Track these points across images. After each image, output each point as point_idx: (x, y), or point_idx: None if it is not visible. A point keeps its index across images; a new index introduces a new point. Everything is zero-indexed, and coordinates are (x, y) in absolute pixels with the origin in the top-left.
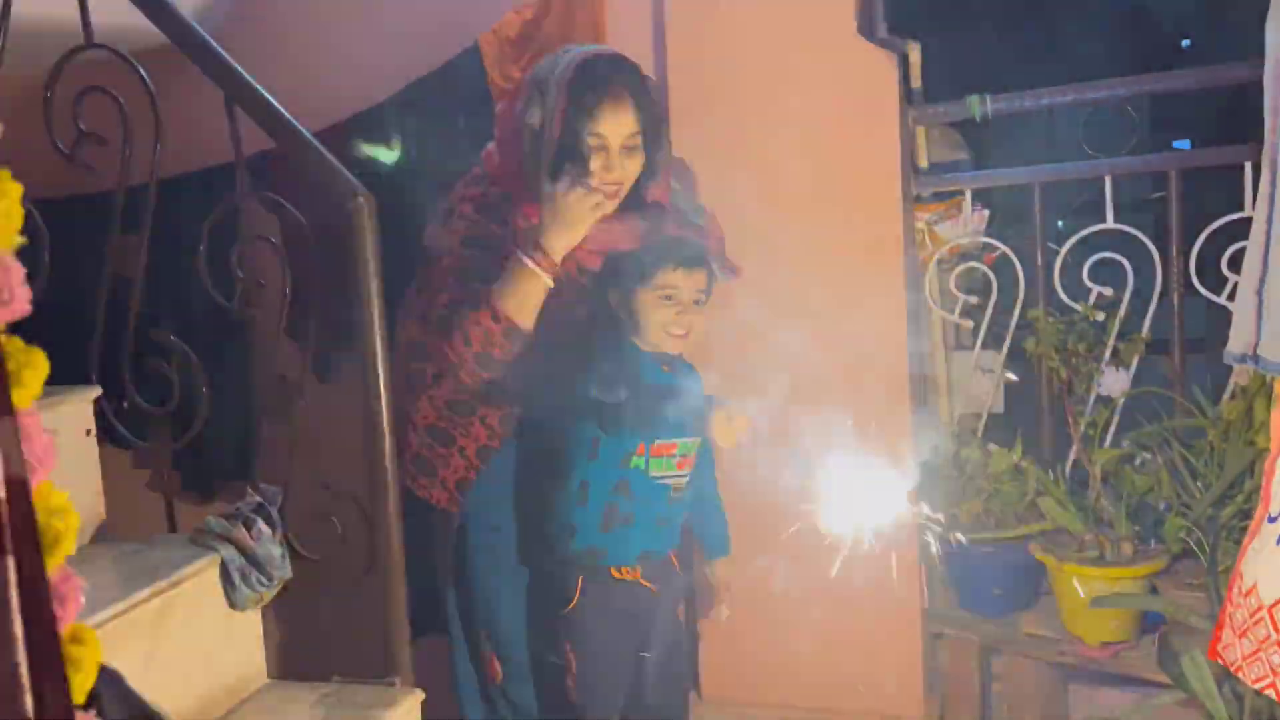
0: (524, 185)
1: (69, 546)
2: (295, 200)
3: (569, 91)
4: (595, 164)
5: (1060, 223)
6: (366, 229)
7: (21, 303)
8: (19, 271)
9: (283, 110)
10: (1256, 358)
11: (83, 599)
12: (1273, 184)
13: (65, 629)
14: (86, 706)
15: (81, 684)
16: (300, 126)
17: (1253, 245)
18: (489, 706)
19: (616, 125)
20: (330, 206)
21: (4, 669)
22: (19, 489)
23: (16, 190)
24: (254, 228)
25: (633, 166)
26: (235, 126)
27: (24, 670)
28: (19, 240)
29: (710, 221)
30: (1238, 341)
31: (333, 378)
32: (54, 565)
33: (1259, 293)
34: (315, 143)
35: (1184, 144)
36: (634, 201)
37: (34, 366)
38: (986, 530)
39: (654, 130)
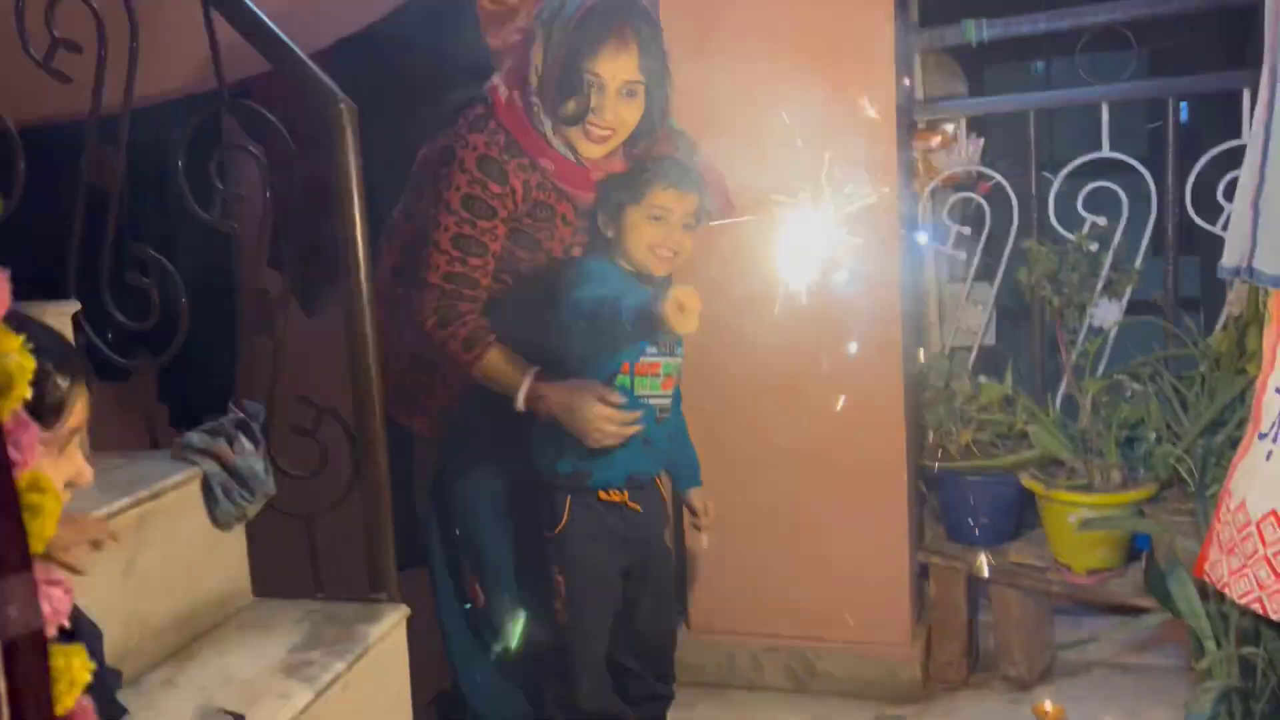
0: (533, 132)
1: (23, 390)
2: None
3: (575, 29)
4: (592, 103)
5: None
6: (348, 135)
7: None
8: None
9: (261, 14)
10: (1251, 269)
11: (40, 448)
12: (1271, 95)
13: (22, 475)
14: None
15: (40, 530)
16: (276, 30)
17: (1250, 157)
18: (473, 632)
19: (616, 66)
20: (313, 122)
21: None
22: None
23: None
24: (235, 143)
25: (628, 114)
26: (213, 32)
27: None
28: None
29: (708, 168)
30: (1232, 254)
31: (318, 309)
32: (8, 409)
33: (1255, 205)
34: (293, 46)
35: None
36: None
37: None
38: (975, 460)
39: (656, 79)
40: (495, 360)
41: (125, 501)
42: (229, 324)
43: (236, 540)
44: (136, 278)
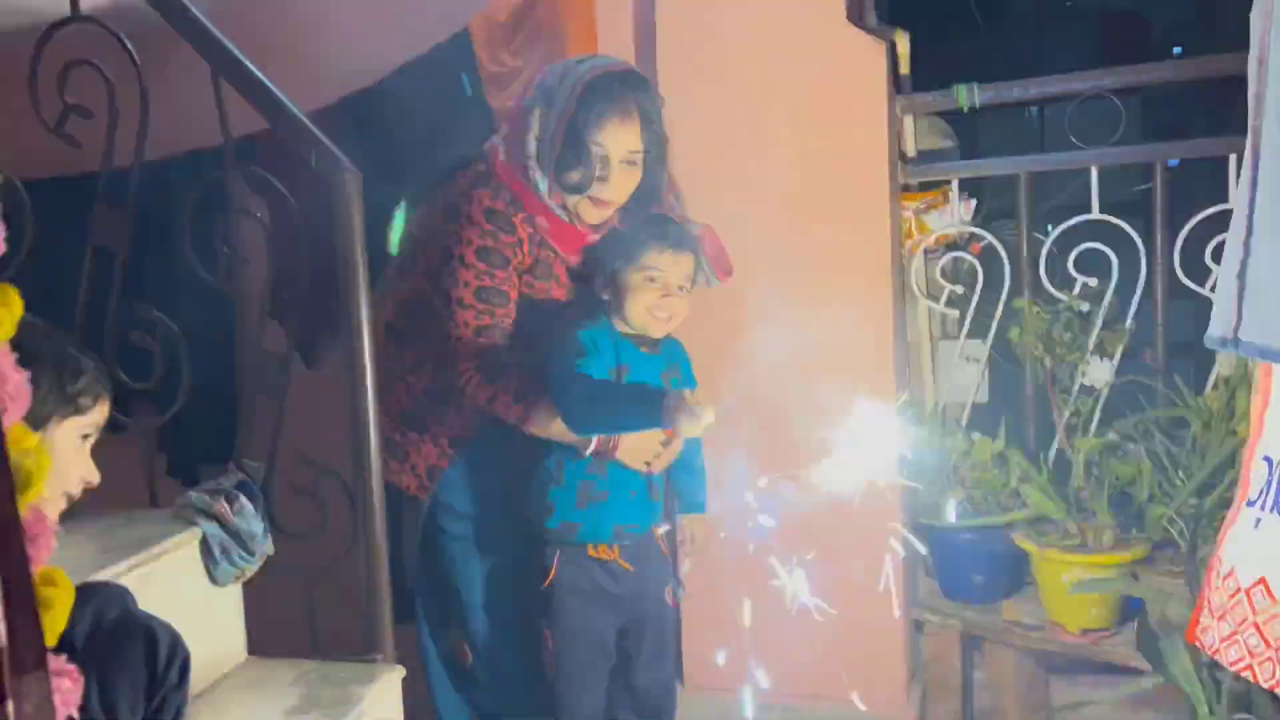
0: (530, 191)
1: (40, 488)
2: (283, 184)
3: (578, 101)
4: (594, 173)
5: (1049, 227)
6: (353, 200)
7: None
8: None
9: (268, 83)
10: (1237, 341)
11: (55, 541)
12: (1254, 167)
13: (37, 570)
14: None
15: (53, 624)
16: (285, 99)
17: (1234, 228)
18: (460, 691)
19: (619, 137)
20: (316, 186)
21: None
22: None
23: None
24: (240, 206)
25: (628, 183)
26: (221, 99)
27: None
28: None
29: (706, 231)
30: (1219, 325)
31: (317, 363)
32: (25, 505)
33: (1240, 276)
34: (300, 115)
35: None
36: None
37: (8, 305)
38: (969, 518)
39: (657, 150)
40: (551, 408)
41: (125, 564)
42: (229, 378)
43: (233, 599)
44: (141, 337)
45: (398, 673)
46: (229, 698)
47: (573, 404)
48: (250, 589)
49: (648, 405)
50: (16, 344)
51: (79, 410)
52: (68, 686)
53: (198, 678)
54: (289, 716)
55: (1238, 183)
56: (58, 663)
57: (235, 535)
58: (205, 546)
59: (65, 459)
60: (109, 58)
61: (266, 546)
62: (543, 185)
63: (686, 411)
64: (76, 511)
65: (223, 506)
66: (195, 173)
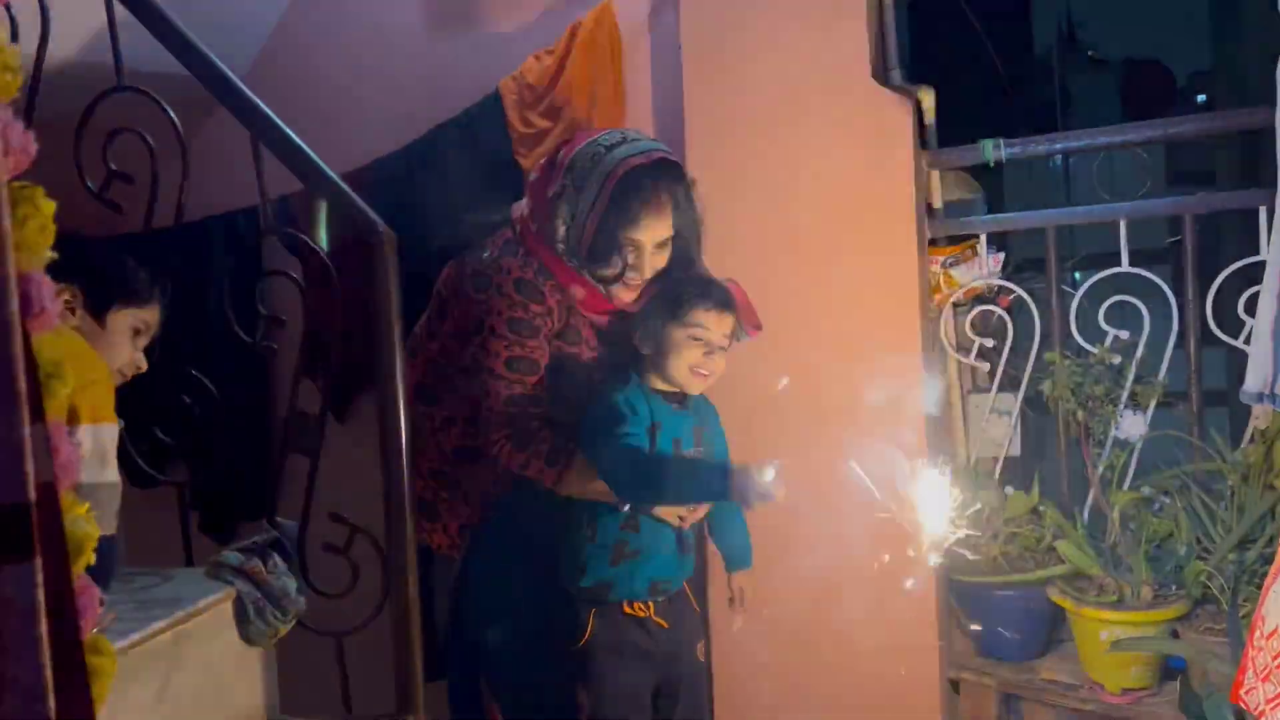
0: (559, 261)
1: (90, 556)
2: (315, 244)
3: (611, 195)
4: (627, 260)
5: (1077, 274)
6: (389, 263)
7: (51, 315)
8: (50, 285)
9: (305, 147)
10: (1274, 396)
11: (100, 610)
12: None
13: (85, 637)
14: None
15: (100, 693)
16: (322, 163)
17: (1267, 284)
18: None
19: (654, 230)
20: (351, 245)
21: (29, 671)
22: (48, 495)
23: (50, 207)
24: (276, 266)
25: (661, 262)
26: (260, 164)
27: (48, 673)
28: (50, 255)
29: (734, 287)
30: (1254, 379)
31: (350, 419)
32: (75, 574)
33: (1275, 333)
34: (335, 178)
35: None
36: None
37: (63, 378)
38: (1004, 574)
39: (690, 227)
40: (583, 469)
41: (162, 624)
42: (260, 436)
43: (266, 658)
44: (178, 398)
45: None
46: None
47: (626, 478)
48: (282, 648)
49: (715, 481)
50: (86, 255)
51: (136, 299)
52: None
53: None
54: None
55: (1269, 237)
56: None
57: (269, 594)
58: (239, 605)
59: (120, 343)
60: (152, 123)
61: (300, 603)
62: (574, 263)
63: (757, 488)
64: (115, 570)
65: (257, 565)
66: (233, 233)
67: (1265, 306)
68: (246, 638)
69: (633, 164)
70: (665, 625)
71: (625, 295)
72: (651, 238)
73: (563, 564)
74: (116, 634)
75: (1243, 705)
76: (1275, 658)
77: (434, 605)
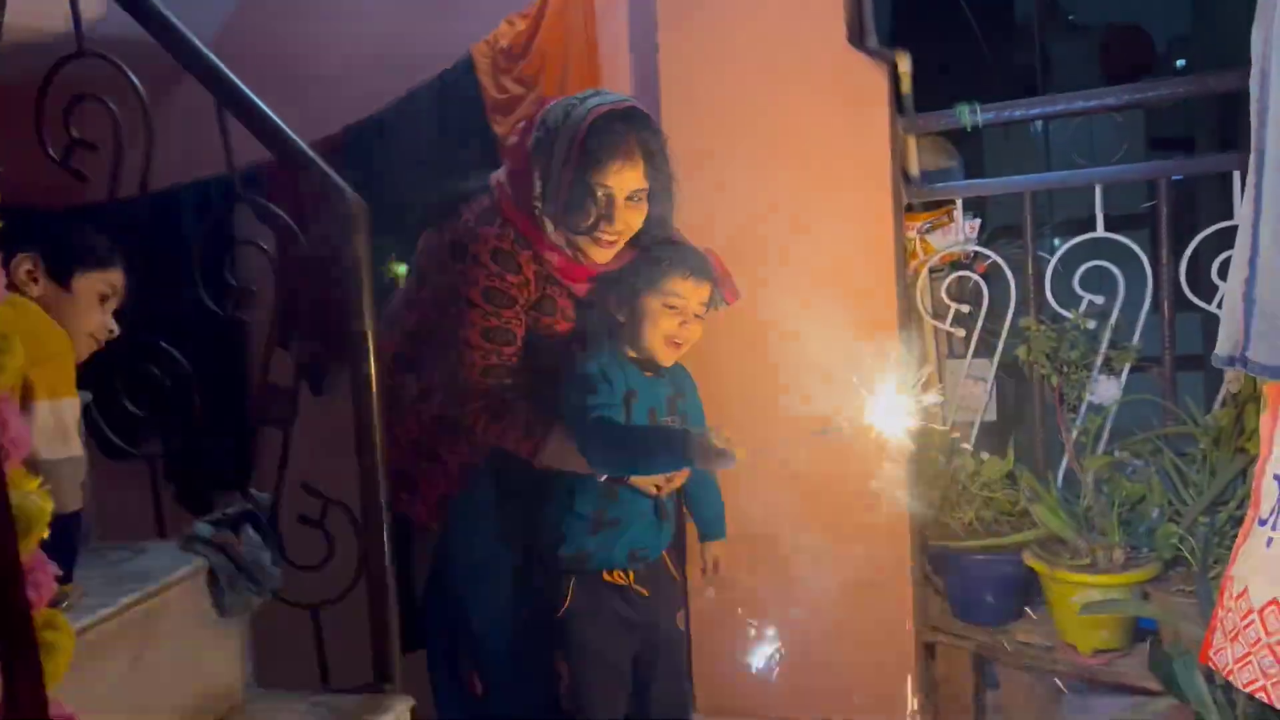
0: (537, 229)
1: (41, 531)
2: (289, 213)
3: (581, 144)
4: (599, 213)
5: (1056, 241)
6: (360, 232)
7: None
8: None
9: (271, 114)
10: (1244, 360)
11: (55, 585)
12: (1258, 185)
13: (38, 614)
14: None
15: (55, 671)
16: (290, 131)
17: (1239, 247)
18: None
19: (624, 178)
20: (323, 215)
21: None
22: None
23: None
24: (247, 236)
25: (634, 219)
26: (226, 131)
27: None
28: None
29: (711, 255)
30: (1225, 344)
31: (326, 391)
32: (27, 549)
33: (1246, 295)
34: (303, 145)
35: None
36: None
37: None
38: (979, 538)
39: (663, 185)
40: (562, 440)
41: (134, 597)
42: (236, 407)
43: (241, 630)
44: (148, 368)
45: (406, 703)
46: None
47: (598, 451)
48: (259, 621)
49: (674, 448)
50: (44, 224)
51: (99, 263)
52: None
53: (206, 709)
54: None
55: (1242, 199)
56: (59, 707)
57: (242, 566)
58: (213, 578)
59: (89, 307)
60: (115, 91)
61: (275, 576)
62: (549, 225)
63: (716, 453)
64: (85, 544)
65: (229, 537)
66: (201, 202)
67: (1237, 270)
68: (220, 610)
69: (603, 110)
70: (645, 593)
71: (600, 254)
72: (623, 186)
73: (542, 533)
74: (86, 609)
75: (1212, 665)
76: (1244, 618)
77: (412, 576)
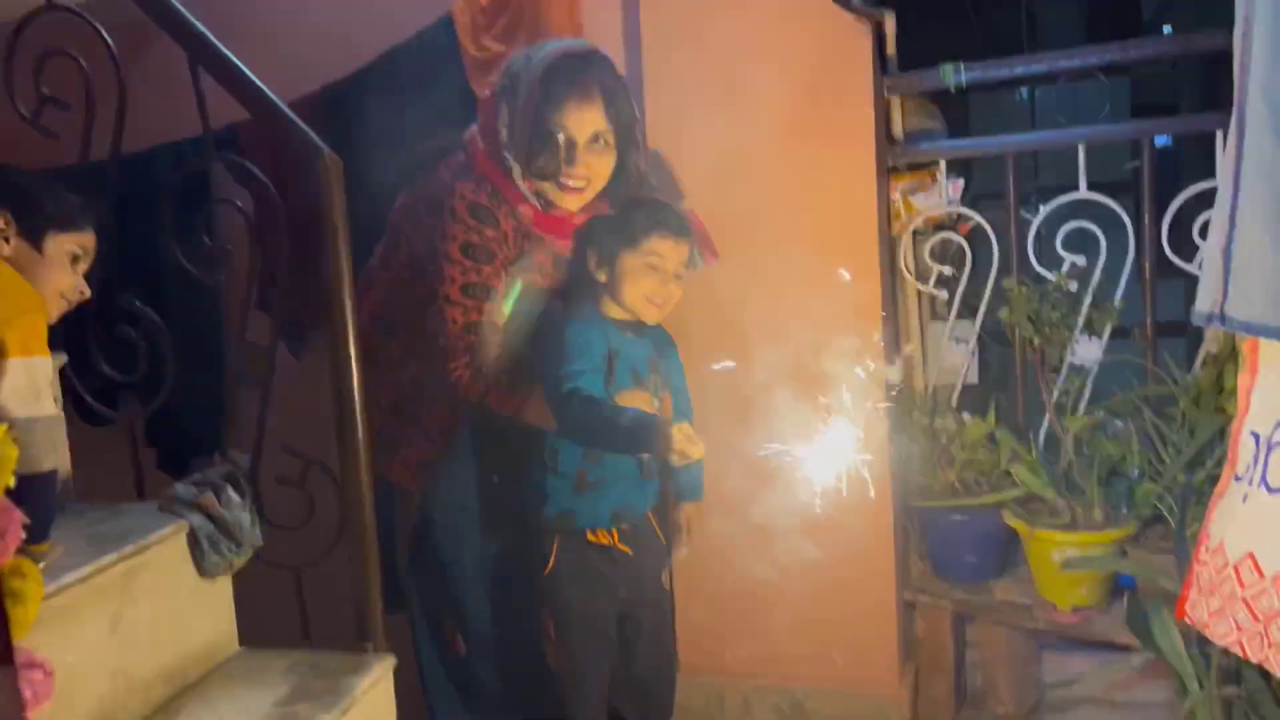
0: (505, 179)
1: (7, 478)
2: (266, 176)
3: (539, 86)
4: (563, 157)
5: (1040, 206)
6: (334, 189)
7: None
8: None
9: (246, 70)
10: (1223, 316)
11: (22, 533)
12: (1239, 141)
13: (4, 562)
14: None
15: (23, 617)
16: (263, 87)
17: (1220, 203)
18: (454, 684)
19: (583, 118)
20: (299, 175)
21: None
22: None
23: None
24: (222, 197)
25: (601, 165)
26: (200, 89)
27: None
28: None
29: (691, 215)
30: (1205, 301)
31: (305, 354)
32: None
33: (1225, 251)
34: (278, 102)
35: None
36: (611, 195)
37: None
38: (960, 499)
39: (626, 130)
40: (543, 399)
41: (112, 557)
42: (216, 370)
43: (222, 591)
44: (124, 330)
45: (389, 662)
46: (220, 689)
47: (570, 424)
48: (240, 582)
49: (643, 436)
50: (16, 183)
51: (70, 224)
52: (39, 678)
53: (188, 669)
54: (280, 707)
55: (1223, 157)
56: (29, 655)
57: (223, 526)
58: (193, 538)
59: (60, 268)
60: (86, 48)
61: (255, 536)
62: (517, 173)
63: (680, 447)
64: (63, 504)
65: (209, 498)
66: (176, 164)
67: (1217, 227)
68: (201, 571)
69: (561, 51)
70: (630, 553)
71: (568, 200)
72: (582, 127)
73: (525, 495)
74: (65, 568)
75: (1187, 619)
76: (1219, 572)
77: (394, 539)
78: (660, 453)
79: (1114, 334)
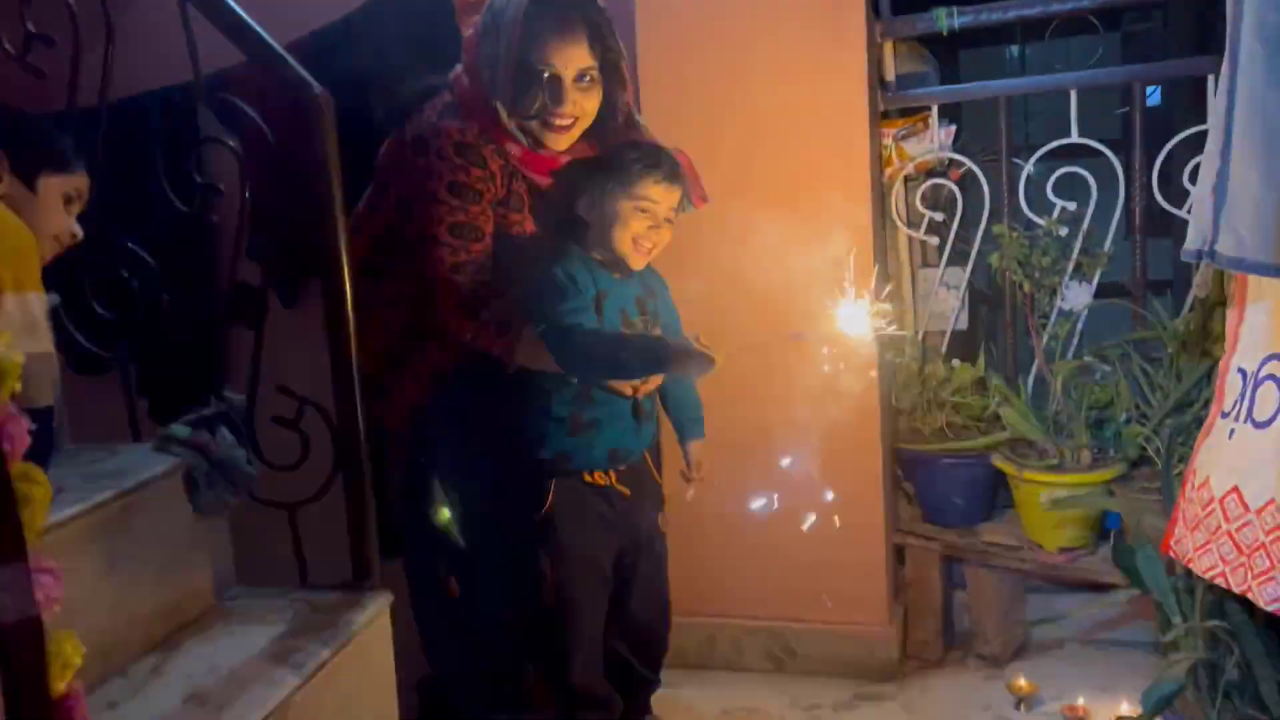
0: (492, 118)
1: (13, 384)
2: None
3: (523, 22)
4: (549, 96)
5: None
6: (326, 125)
7: None
8: None
9: (236, 7)
10: (1212, 252)
11: (29, 439)
12: (1231, 78)
13: (14, 466)
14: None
15: (31, 520)
16: (251, 21)
17: (1211, 140)
18: (450, 625)
19: (568, 55)
20: (288, 116)
21: None
22: None
23: None
24: (211, 135)
25: (588, 103)
26: (189, 27)
27: None
28: None
29: (680, 157)
30: (1194, 238)
31: (298, 304)
32: (1, 403)
33: (1215, 189)
34: (266, 37)
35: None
36: (599, 133)
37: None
38: (949, 443)
39: (612, 66)
40: (534, 340)
41: (109, 494)
42: (208, 316)
43: (220, 530)
44: (117, 272)
45: (386, 598)
46: (218, 626)
47: (572, 358)
48: (236, 522)
49: (653, 355)
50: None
51: (64, 166)
52: (50, 582)
53: (187, 607)
54: (280, 642)
55: (1216, 96)
56: (38, 559)
57: (218, 465)
58: (189, 477)
59: (53, 210)
60: None
61: (251, 475)
62: (503, 113)
63: (694, 358)
64: (58, 446)
65: (204, 437)
66: (166, 108)
67: (1208, 164)
68: (197, 509)
69: None
70: (626, 494)
71: (556, 140)
72: (568, 64)
73: (521, 437)
74: (62, 504)
75: (1173, 555)
76: (1205, 507)
77: (387, 484)
78: (679, 366)
79: (1105, 292)
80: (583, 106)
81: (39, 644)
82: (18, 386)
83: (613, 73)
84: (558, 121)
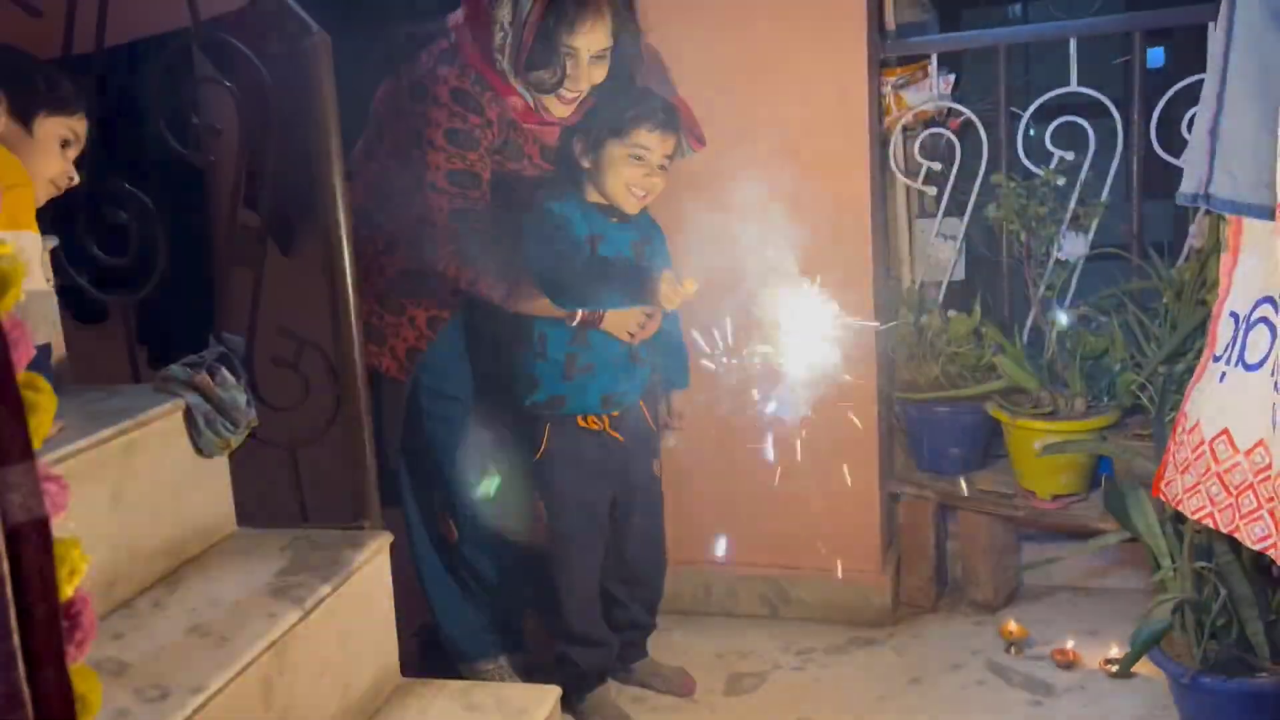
0: (497, 74)
1: (17, 293)
2: (253, 68)
3: (548, 2)
4: (565, 69)
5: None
6: (322, 66)
7: None
8: None
9: None
10: (1208, 196)
11: (33, 349)
12: (1230, 21)
13: (20, 374)
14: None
15: (37, 427)
16: None
17: (1209, 83)
18: (447, 569)
19: (591, 38)
20: (283, 63)
21: None
22: None
23: None
24: (207, 75)
25: (598, 74)
26: None
27: None
28: None
29: (678, 102)
30: (1190, 181)
31: (294, 250)
32: (4, 311)
33: (1212, 132)
34: None
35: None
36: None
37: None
38: (944, 392)
39: (631, 39)
40: (533, 284)
41: (110, 431)
42: (207, 259)
43: (221, 470)
44: (114, 213)
45: (385, 538)
46: (220, 563)
47: (557, 285)
48: (236, 462)
49: (631, 283)
50: (9, 62)
51: (62, 107)
52: (56, 490)
53: (189, 544)
54: (280, 578)
55: (1213, 39)
56: (44, 468)
57: (219, 406)
58: (190, 417)
59: (49, 152)
60: None
61: (251, 415)
62: (509, 72)
63: (672, 289)
64: (59, 385)
65: (204, 378)
66: (161, 55)
67: (1204, 107)
68: (198, 449)
69: None
70: (620, 439)
71: (560, 109)
72: (589, 46)
73: (515, 381)
74: (63, 441)
75: (1163, 497)
76: (1195, 450)
77: (384, 429)
78: (657, 296)
79: (1103, 256)
80: (592, 80)
81: (47, 545)
82: (21, 295)
83: (631, 43)
84: (568, 94)
